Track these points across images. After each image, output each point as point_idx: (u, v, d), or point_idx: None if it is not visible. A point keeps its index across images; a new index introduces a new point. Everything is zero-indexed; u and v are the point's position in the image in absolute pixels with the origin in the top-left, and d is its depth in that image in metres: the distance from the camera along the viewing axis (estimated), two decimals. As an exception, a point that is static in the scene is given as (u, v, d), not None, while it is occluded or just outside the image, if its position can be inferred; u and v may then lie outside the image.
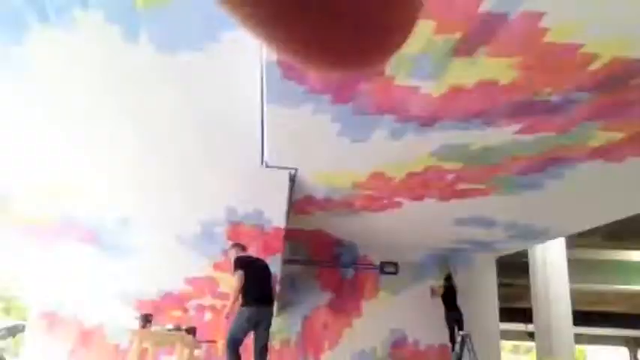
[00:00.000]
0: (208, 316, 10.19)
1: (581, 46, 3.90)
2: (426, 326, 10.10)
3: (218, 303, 9.94)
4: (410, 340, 10.11)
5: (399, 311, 10.25)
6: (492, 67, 4.21)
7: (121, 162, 6.45)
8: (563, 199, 7.34)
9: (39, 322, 10.15)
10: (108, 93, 5.17)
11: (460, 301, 10.00)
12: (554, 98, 4.69)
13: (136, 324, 7.49)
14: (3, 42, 4.48)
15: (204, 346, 9.84)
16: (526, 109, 4.89)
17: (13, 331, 16.43)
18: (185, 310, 10.20)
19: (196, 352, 8.68)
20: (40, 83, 5.05)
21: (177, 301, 9.93)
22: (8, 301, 22.94)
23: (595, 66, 4.15)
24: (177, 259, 8.58)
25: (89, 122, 5.67)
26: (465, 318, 10.03)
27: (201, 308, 10.15)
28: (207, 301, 9.89)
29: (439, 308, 10.19)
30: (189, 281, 9.23)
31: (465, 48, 3.96)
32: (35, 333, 10.10)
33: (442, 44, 3.91)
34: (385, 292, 10.43)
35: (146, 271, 9.03)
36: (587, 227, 8.77)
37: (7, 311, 22.96)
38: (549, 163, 6.15)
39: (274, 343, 9.98)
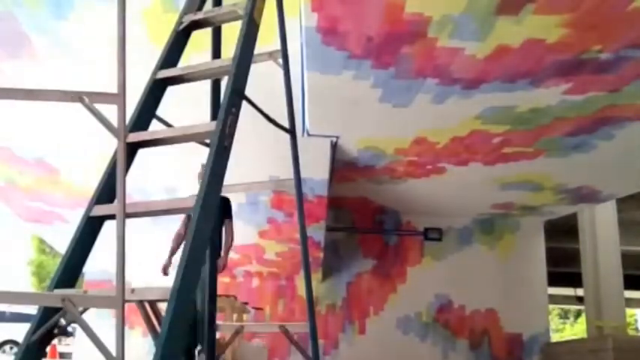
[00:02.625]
0: (255, 282, 10.41)
1: (632, 0, 3.73)
2: (472, 291, 10.05)
3: (264, 270, 10.13)
4: (455, 305, 10.09)
5: (443, 277, 10.21)
6: (539, 26, 4.08)
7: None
8: (614, 161, 7.11)
9: (93, 288, 10.56)
10: (150, 65, 5.23)
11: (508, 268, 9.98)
12: (604, 56, 4.51)
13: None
14: (50, 17, 4.58)
15: (252, 311, 10.10)
16: (574, 68, 4.73)
17: (71, 298, 17.22)
18: (233, 277, 10.44)
19: (245, 316, 8.94)
20: (84, 57, 5.16)
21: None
22: (65, 270, 23.93)
23: (648, 21, 3.97)
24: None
25: (133, 95, 5.76)
26: (513, 284, 9.98)
27: (248, 275, 10.37)
28: (254, 267, 10.08)
29: (486, 274, 10.12)
30: (236, 249, 9.41)
31: (510, 6, 3.84)
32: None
33: (486, 3, 3.80)
34: (429, 258, 10.40)
35: (194, 240, 9.24)
36: (639, 189, 8.51)
37: (64, 280, 23.98)
38: (599, 123, 5.96)
39: (320, 309, 10.14)
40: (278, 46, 4.78)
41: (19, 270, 24.19)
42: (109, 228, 8.68)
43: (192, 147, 6.76)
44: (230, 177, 7.66)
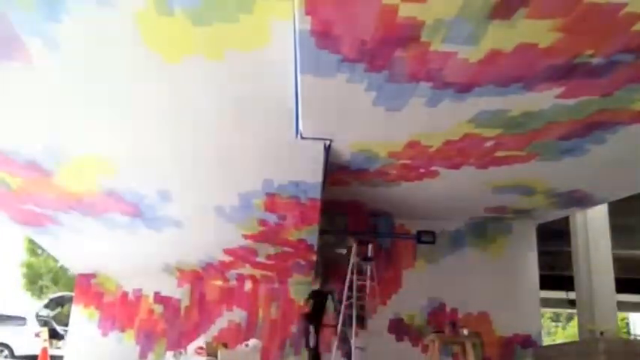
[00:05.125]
0: (248, 285, 10.39)
1: (624, 5, 3.75)
2: (464, 295, 10.07)
3: (257, 273, 10.11)
4: (448, 308, 10.11)
5: (436, 280, 10.23)
6: (531, 30, 4.09)
7: (159, 136, 6.54)
8: (606, 165, 7.15)
9: (84, 292, 10.54)
10: (145, 67, 5.22)
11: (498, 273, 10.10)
12: (596, 61, 4.54)
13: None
14: (42, 19, 4.56)
15: (245, 314, 10.11)
16: (567, 72, 4.75)
17: (61, 301, 17.10)
18: (226, 280, 10.41)
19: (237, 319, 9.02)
20: (78, 59, 5.13)
21: (218, 270, 10.14)
22: (56, 272, 23.80)
23: (639, 26, 3.98)
24: (216, 231, 8.73)
25: (127, 97, 5.75)
26: (505, 287, 10.05)
27: (241, 278, 10.35)
28: (247, 270, 10.06)
29: (478, 277, 10.15)
30: (228, 251, 9.40)
31: (502, 10, 3.85)
32: (81, 303, 10.49)
33: (479, 7, 3.81)
34: (423, 261, 10.42)
35: (186, 242, 9.22)
36: (631, 193, 8.55)
37: (55, 282, 23.84)
38: (592, 127, 5.98)
39: (313, 312, 10.12)
40: (273, 48, 4.79)
41: (11, 272, 24.03)
42: (97, 228, 8.54)
43: (186, 152, 6.77)
44: (226, 181, 7.71)
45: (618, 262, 11.68)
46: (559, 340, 25.64)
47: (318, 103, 5.55)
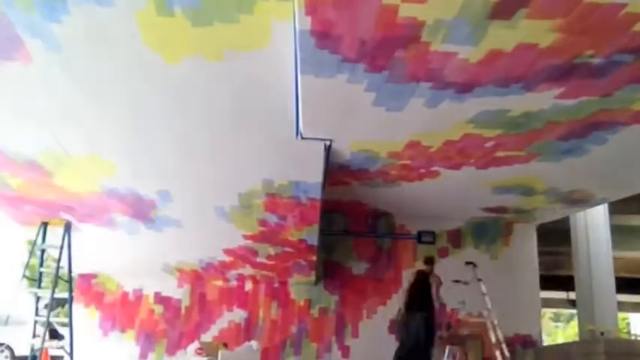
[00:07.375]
0: (249, 285, 10.38)
1: (624, 5, 3.75)
2: (464, 295, 10.05)
3: (258, 273, 10.11)
4: (448, 308, 10.09)
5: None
6: (532, 30, 4.09)
7: (159, 136, 6.54)
8: (607, 165, 7.15)
9: (85, 292, 10.53)
10: (144, 68, 5.22)
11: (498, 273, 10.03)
12: (597, 61, 4.54)
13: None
14: (42, 19, 4.56)
15: (245, 314, 10.11)
16: (567, 72, 4.75)
17: (62, 302, 17.11)
18: (226, 280, 10.41)
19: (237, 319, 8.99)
20: (78, 60, 5.13)
21: (218, 270, 10.14)
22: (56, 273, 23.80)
23: (639, 26, 3.99)
24: (216, 231, 8.72)
25: (127, 97, 5.75)
26: (505, 287, 9.99)
27: (241, 278, 10.34)
28: (247, 271, 10.06)
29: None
30: (228, 252, 9.39)
31: (502, 10, 3.85)
32: (81, 303, 10.48)
33: (479, 7, 3.81)
34: (422, 262, 10.40)
35: (186, 242, 9.21)
36: (631, 193, 8.55)
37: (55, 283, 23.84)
38: (592, 128, 5.99)
39: (313, 312, 10.13)
40: (273, 48, 4.79)
41: (13, 273, 24.02)
42: (97, 228, 8.54)
43: (187, 152, 6.77)
44: (226, 181, 7.70)
45: (618, 262, 11.69)
46: (559, 340, 25.62)
47: (318, 103, 5.55)
